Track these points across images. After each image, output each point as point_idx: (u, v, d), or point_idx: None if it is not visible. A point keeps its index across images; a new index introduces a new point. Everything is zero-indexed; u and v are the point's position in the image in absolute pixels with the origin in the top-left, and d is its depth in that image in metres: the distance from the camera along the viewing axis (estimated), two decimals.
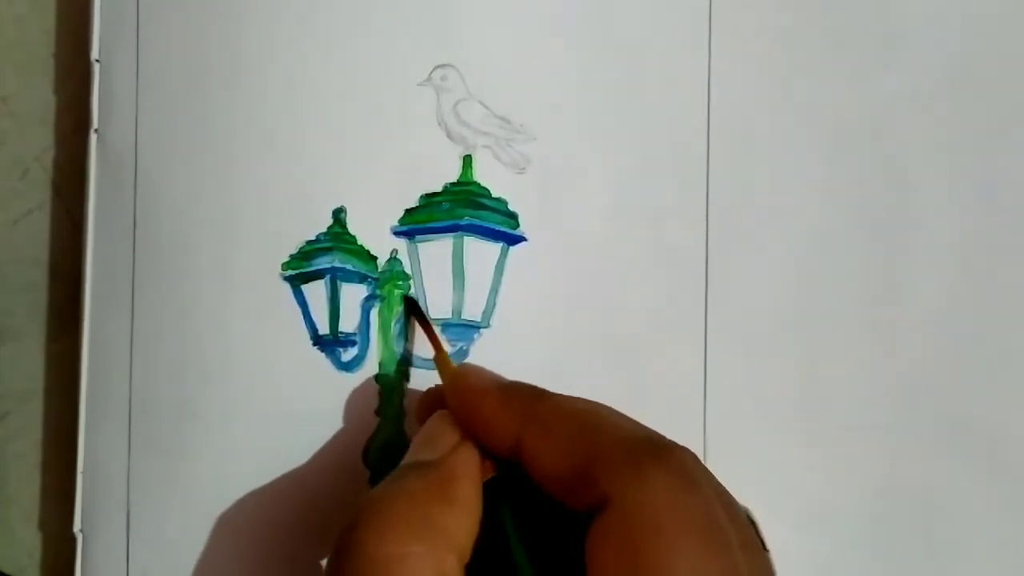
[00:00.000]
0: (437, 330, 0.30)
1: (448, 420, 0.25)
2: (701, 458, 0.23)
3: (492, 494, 0.24)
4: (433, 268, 0.31)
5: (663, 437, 0.23)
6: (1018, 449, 0.31)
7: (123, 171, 0.31)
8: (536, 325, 0.31)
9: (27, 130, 0.33)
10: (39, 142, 0.33)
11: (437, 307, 0.31)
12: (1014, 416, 0.31)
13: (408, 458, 0.25)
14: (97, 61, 0.32)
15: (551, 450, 0.23)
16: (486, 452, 0.24)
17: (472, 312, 0.31)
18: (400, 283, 0.31)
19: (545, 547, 0.24)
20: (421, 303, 0.31)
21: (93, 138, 0.31)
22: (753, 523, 0.24)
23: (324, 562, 0.30)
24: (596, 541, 0.21)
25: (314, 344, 0.31)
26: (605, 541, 0.21)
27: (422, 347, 0.31)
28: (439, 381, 0.30)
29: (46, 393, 0.33)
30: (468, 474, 0.24)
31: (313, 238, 0.31)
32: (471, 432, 0.25)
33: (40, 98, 0.33)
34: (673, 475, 0.21)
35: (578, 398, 0.24)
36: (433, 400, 0.27)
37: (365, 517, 0.22)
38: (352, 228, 0.31)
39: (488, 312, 0.31)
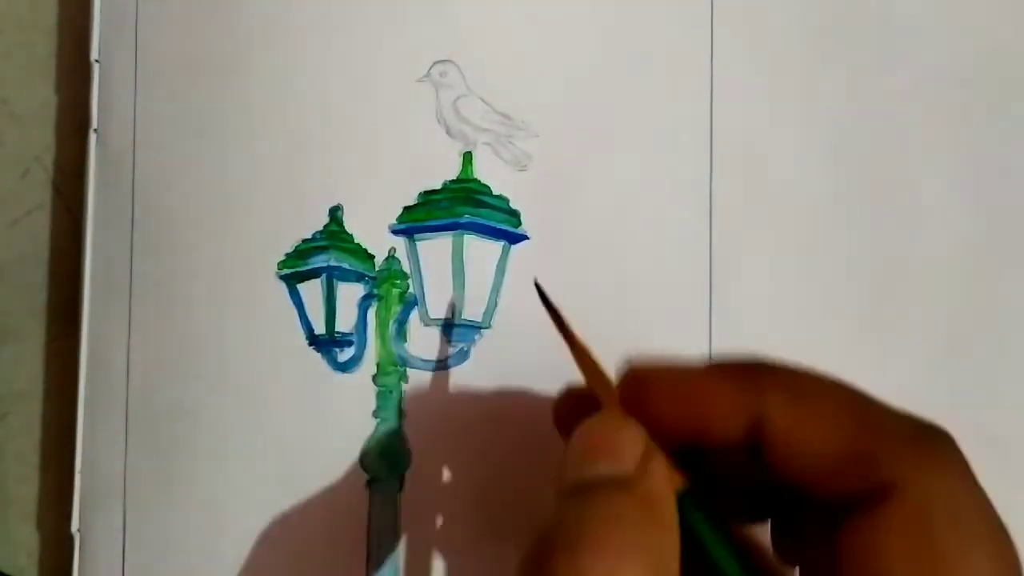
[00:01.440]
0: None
1: (627, 422, 0.22)
2: None
3: (686, 506, 0.21)
4: (432, 267, 0.31)
5: (931, 421, 0.21)
6: (1018, 449, 0.30)
7: (122, 171, 0.31)
8: (538, 325, 0.30)
9: (27, 130, 0.34)
10: (39, 142, 0.34)
11: (437, 307, 0.30)
12: (1014, 416, 0.30)
13: (584, 470, 0.21)
14: (97, 61, 0.32)
15: (815, 426, 0.20)
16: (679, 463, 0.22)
17: (473, 312, 0.30)
18: (398, 282, 0.30)
19: (742, 549, 0.22)
20: (420, 303, 0.30)
21: (93, 138, 0.32)
22: None
23: (320, 564, 0.30)
24: (881, 534, 0.19)
25: (310, 344, 0.30)
26: (895, 533, 0.19)
27: (422, 347, 0.30)
28: (438, 382, 0.30)
29: (45, 393, 0.33)
30: (669, 491, 0.21)
31: (309, 237, 0.31)
32: (679, 422, 0.21)
33: (40, 98, 0.34)
34: (961, 463, 0.20)
35: (815, 371, 0.22)
36: (576, 402, 0.24)
37: (568, 540, 0.19)
38: (349, 226, 0.31)
39: (489, 312, 0.30)
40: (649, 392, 0.22)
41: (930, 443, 0.20)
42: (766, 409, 0.21)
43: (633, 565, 0.19)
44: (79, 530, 0.31)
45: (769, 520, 0.23)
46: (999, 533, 0.19)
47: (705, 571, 0.21)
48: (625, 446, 0.21)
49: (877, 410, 0.21)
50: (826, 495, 0.20)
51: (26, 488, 0.33)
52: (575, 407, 0.24)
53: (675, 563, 0.20)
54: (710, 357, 0.30)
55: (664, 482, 0.21)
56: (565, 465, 0.22)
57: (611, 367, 0.30)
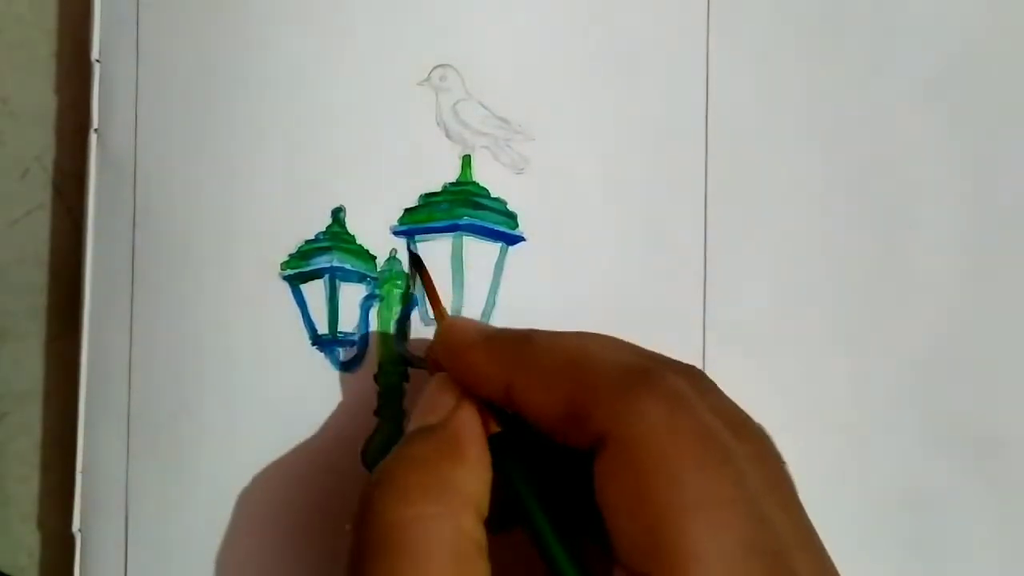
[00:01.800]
0: (439, 290, 0.29)
1: (446, 381, 0.25)
2: None
3: (499, 449, 0.24)
4: (432, 268, 0.31)
5: (658, 361, 0.23)
6: (1017, 449, 0.31)
7: (123, 171, 0.31)
8: (535, 325, 0.31)
9: (27, 130, 0.33)
10: (39, 142, 0.33)
11: None
12: (1014, 416, 0.31)
13: (412, 425, 0.25)
14: (97, 61, 0.32)
15: (540, 392, 0.23)
16: (487, 406, 0.24)
17: (471, 312, 0.31)
18: (399, 283, 0.31)
19: (558, 493, 0.23)
20: (421, 303, 0.31)
21: (93, 138, 0.31)
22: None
23: (321, 563, 0.30)
24: (602, 480, 0.21)
25: (313, 344, 0.31)
26: (610, 479, 0.21)
27: (422, 347, 0.31)
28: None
29: (46, 393, 0.33)
30: (473, 432, 0.24)
31: (312, 238, 0.31)
32: (464, 386, 0.24)
33: (40, 98, 0.33)
34: (666, 400, 0.21)
35: (568, 333, 0.24)
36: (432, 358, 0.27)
37: (378, 485, 0.22)
38: (351, 228, 0.31)
39: (487, 312, 0.31)
40: (444, 353, 0.25)
41: (633, 390, 0.21)
42: (511, 381, 0.23)
43: (437, 501, 0.22)
44: (80, 530, 0.31)
45: None
46: (711, 461, 0.20)
47: (521, 509, 0.23)
48: (440, 402, 0.24)
49: (596, 365, 0.22)
50: (573, 447, 0.22)
51: (26, 488, 0.33)
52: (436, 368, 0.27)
53: (480, 495, 0.23)
54: (704, 357, 0.31)
55: (468, 425, 0.24)
56: None
57: None
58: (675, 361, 0.24)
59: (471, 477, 0.23)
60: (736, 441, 0.21)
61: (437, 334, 0.27)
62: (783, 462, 0.23)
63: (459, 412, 0.24)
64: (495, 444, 0.24)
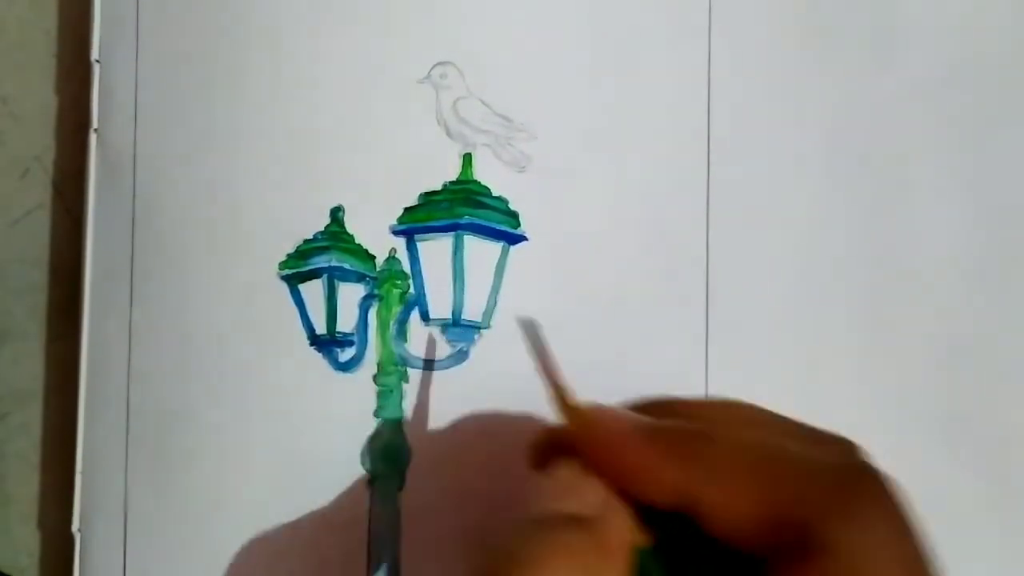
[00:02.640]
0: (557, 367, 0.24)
1: (587, 472, 0.22)
2: None
3: (648, 567, 0.22)
4: (432, 267, 0.31)
5: (864, 461, 0.21)
6: (1018, 449, 0.30)
7: (123, 171, 0.31)
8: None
9: (27, 130, 0.33)
10: (39, 142, 0.34)
11: (437, 307, 0.31)
12: (1014, 416, 0.30)
13: (546, 503, 0.22)
14: (97, 61, 0.32)
15: (734, 497, 0.20)
16: (641, 515, 0.22)
17: (472, 312, 0.31)
18: (399, 282, 0.31)
19: None
20: (421, 303, 0.31)
21: (93, 138, 0.32)
22: None
23: (321, 563, 0.30)
24: None
25: (311, 344, 0.31)
26: None
27: (422, 347, 0.31)
28: (440, 380, 0.31)
29: (46, 393, 0.33)
30: (624, 536, 0.21)
31: (310, 237, 0.31)
32: (620, 486, 0.22)
33: (40, 98, 0.33)
34: (887, 512, 0.20)
35: (745, 430, 0.22)
36: (553, 443, 0.24)
37: (526, 564, 0.20)
38: (350, 227, 0.31)
39: (489, 312, 0.31)
40: (591, 447, 0.22)
41: (848, 489, 0.20)
42: (689, 486, 0.21)
43: None
44: (80, 530, 0.31)
45: None
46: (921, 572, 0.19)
47: None
48: (585, 493, 0.22)
49: (795, 466, 0.21)
50: (764, 555, 0.20)
51: (26, 488, 0.33)
52: (548, 450, 0.24)
53: None
54: (706, 357, 0.30)
55: (622, 531, 0.21)
56: (530, 498, 0.22)
57: (604, 367, 0.30)
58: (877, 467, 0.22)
59: None
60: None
61: (574, 425, 0.23)
62: None
63: (613, 510, 0.21)
64: (643, 556, 0.22)
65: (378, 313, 0.31)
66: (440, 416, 0.30)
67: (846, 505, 0.19)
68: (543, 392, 0.29)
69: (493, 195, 0.31)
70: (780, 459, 0.21)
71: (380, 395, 0.30)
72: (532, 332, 0.24)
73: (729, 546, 0.21)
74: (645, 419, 0.23)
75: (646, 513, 0.22)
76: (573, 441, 0.23)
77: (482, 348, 0.31)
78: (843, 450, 0.21)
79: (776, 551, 0.20)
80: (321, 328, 0.31)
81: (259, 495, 0.30)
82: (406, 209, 0.31)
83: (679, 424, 0.22)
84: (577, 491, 0.22)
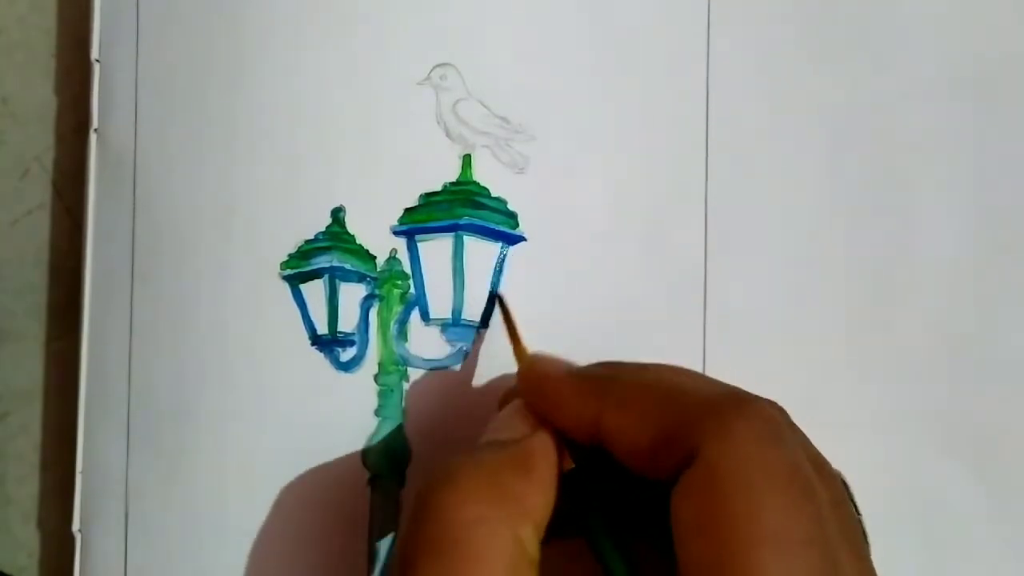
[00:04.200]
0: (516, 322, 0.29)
1: (523, 410, 0.25)
2: None
3: (572, 490, 0.24)
4: (432, 268, 0.31)
5: (747, 392, 0.23)
6: (1018, 449, 0.31)
7: (123, 171, 0.31)
8: (535, 325, 0.31)
9: (27, 130, 0.33)
10: (39, 142, 0.33)
11: (437, 307, 0.31)
12: (1014, 416, 0.31)
13: (484, 439, 0.25)
14: (97, 61, 0.32)
15: (633, 424, 0.23)
16: (565, 443, 0.24)
17: (472, 312, 0.31)
18: (399, 283, 0.31)
19: (627, 534, 0.23)
20: (421, 303, 0.31)
21: (93, 138, 0.31)
22: (845, 485, 0.23)
23: (321, 562, 0.30)
24: (680, 496, 0.21)
25: (313, 344, 0.31)
26: (690, 495, 0.20)
27: (422, 347, 0.31)
28: (439, 381, 0.31)
29: (46, 393, 0.33)
30: (545, 453, 0.24)
31: (312, 237, 0.31)
32: (549, 420, 0.24)
33: (40, 98, 0.33)
34: (759, 426, 0.21)
35: (656, 365, 0.25)
36: (513, 396, 0.27)
37: (445, 482, 0.22)
38: (351, 227, 0.31)
39: (488, 312, 0.31)
40: (529, 388, 0.26)
41: (726, 413, 0.21)
42: (601, 417, 0.23)
43: (499, 508, 0.22)
44: (80, 530, 0.31)
45: None
46: (796, 495, 0.20)
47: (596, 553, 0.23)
48: (516, 426, 0.25)
49: (689, 394, 0.23)
50: (658, 477, 0.22)
51: (27, 488, 0.33)
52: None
53: (541, 513, 0.23)
54: (704, 357, 0.31)
55: (542, 446, 0.24)
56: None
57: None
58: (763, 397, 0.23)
59: (536, 492, 0.23)
60: (819, 480, 0.21)
61: (519, 367, 0.27)
62: (859, 512, 0.23)
63: (536, 435, 0.24)
64: (569, 480, 0.24)
65: (379, 313, 0.31)
66: (440, 416, 0.31)
67: (719, 426, 0.21)
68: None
69: (492, 196, 0.31)
70: (671, 391, 0.23)
71: (381, 395, 0.31)
72: (500, 299, 0.30)
73: (637, 474, 0.23)
74: (576, 365, 0.26)
75: (575, 452, 0.24)
76: (520, 386, 0.26)
77: (482, 348, 0.31)
78: (735, 388, 0.23)
79: (669, 468, 0.22)
80: (322, 328, 0.31)
81: (259, 495, 0.30)
82: (406, 210, 0.31)
83: (597, 367, 0.25)
84: (510, 425, 0.25)
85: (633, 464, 0.23)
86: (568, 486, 0.24)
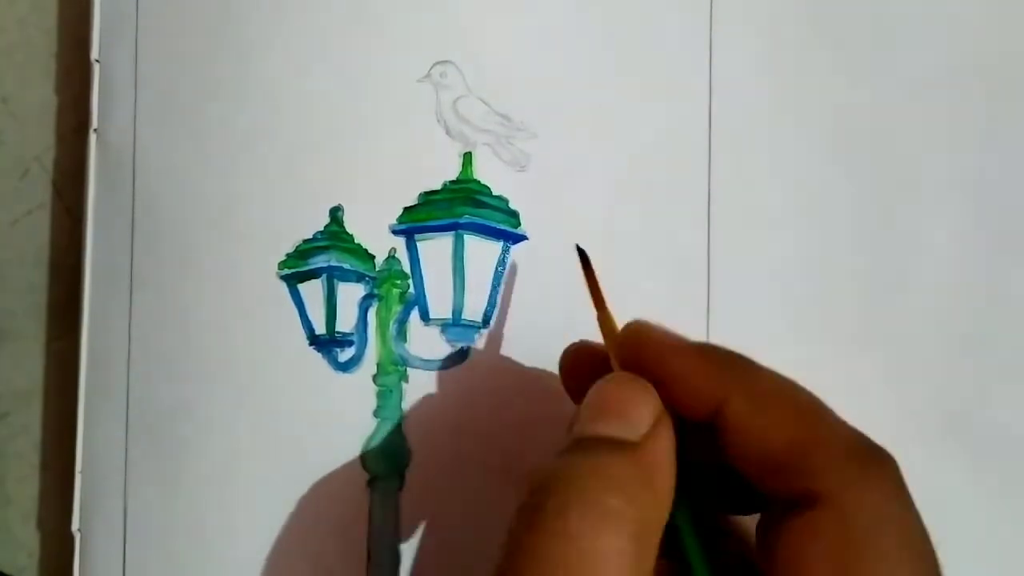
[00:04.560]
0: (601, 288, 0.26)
1: (638, 387, 0.22)
2: None
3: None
4: (432, 267, 0.31)
5: (879, 444, 0.21)
6: (1018, 449, 0.30)
7: (123, 171, 0.31)
8: (537, 325, 0.31)
9: (27, 130, 0.34)
10: (39, 142, 0.34)
11: (437, 307, 0.31)
12: (1014, 416, 0.30)
13: (590, 427, 0.22)
14: (97, 61, 0.32)
15: (764, 425, 0.21)
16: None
17: (472, 312, 0.31)
18: (398, 282, 0.31)
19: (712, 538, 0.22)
20: (420, 303, 0.31)
21: (93, 138, 0.32)
22: None
23: (321, 562, 0.30)
24: (805, 536, 0.20)
25: (311, 344, 0.30)
26: (816, 538, 0.20)
27: (421, 347, 0.31)
28: (438, 381, 0.30)
29: (46, 393, 0.33)
30: (670, 463, 0.21)
31: (310, 237, 0.31)
32: (663, 390, 0.22)
33: (40, 98, 0.34)
34: (893, 484, 0.20)
35: (788, 378, 0.22)
36: (584, 359, 0.25)
37: (564, 492, 0.20)
38: (350, 227, 0.31)
39: (489, 312, 0.30)
40: (639, 354, 0.23)
41: (867, 461, 0.20)
42: (729, 395, 0.21)
43: (616, 529, 0.19)
44: (79, 530, 0.31)
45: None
46: (922, 562, 0.20)
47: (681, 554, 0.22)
48: (639, 411, 0.22)
49: (828, 423, 0.21)
50: (771, 492, 0.21)
51: (26, 488, 0.33)
52: (583, 364, 0.25)
53: (658, 536, 0.20)
54: None
55: (669, 454, 0.21)
56: (576, 419, 0.22)
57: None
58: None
59: (657, 512, 0.21)
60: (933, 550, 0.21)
61: (619, 334, 0.24)
62: None
63: (659, 433, 0.21)
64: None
65: (378, 313, 0.31)
66: (440, 416, 0.30)
67: (858, 469, 0.20)
68: (542, 391, 0.29)
69: (493, 194, 0.31)
70: (814, 410, 0.21)
71: (380, 395, 0.30)
72: (582, 253, 0.27)
73: (738, 477, 0.21)
74: (686, 338, 0.23)
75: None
76: (621, 352, 0.23)
77: (482, 347, 0.30)
78: (865, 436, 0.22)
79: (780, 493, 0.21)
80: (321, 328, 0.30)
81: (259, 495, 0.30)
82: (406, 209, 0.31)
83: (725, 348, 0.23)
84: (624, 409, 0.22)
85: (746, 466, 0.21)
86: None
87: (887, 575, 0.19)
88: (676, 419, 0.22)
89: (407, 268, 0.31)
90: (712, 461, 0.22)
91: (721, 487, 0.23)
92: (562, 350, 0.30)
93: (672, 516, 0.21)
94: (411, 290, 0.31)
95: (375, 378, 0.30)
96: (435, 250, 0.31)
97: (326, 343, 0.30)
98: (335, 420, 0.30)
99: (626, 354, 0.23)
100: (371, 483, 0.30)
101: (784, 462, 0.21)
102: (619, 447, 0.21)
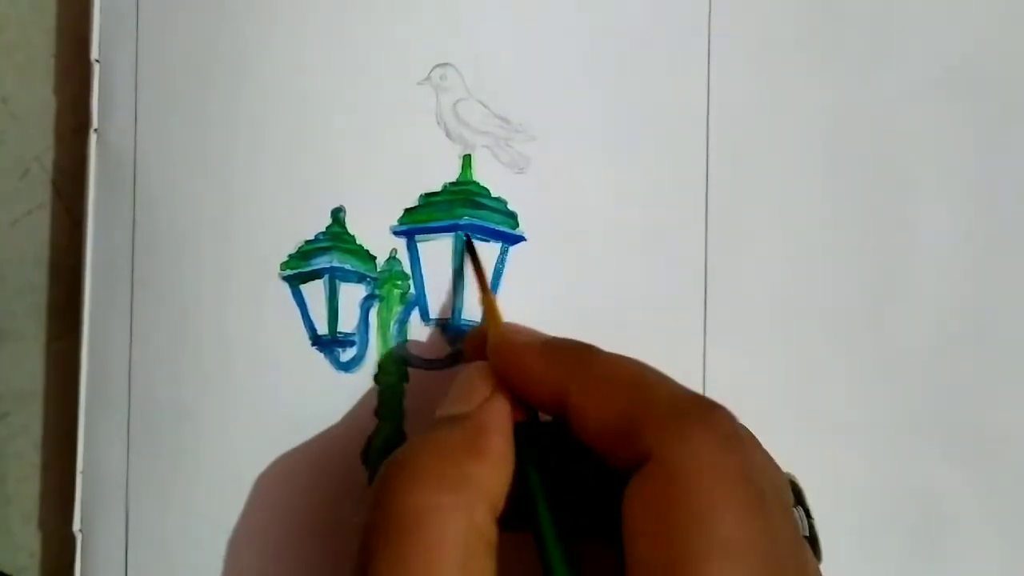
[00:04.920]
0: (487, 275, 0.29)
1: (483, 371, 0.25)
2: None
3: (522, 439, 0.24)
4: (433, 268, 0.31)
5: (710, 399, 0.23)
6: (1018, 449, 0.31)
7: (123, 171, 0.31)
8: (535, 325, 0.31)
9: (27, 130, 0.33)
10: (39, 142, 0.33)
11: (437, 307, 0.31)
12: (1014, 416, 0.31)
13: (442, 410, 0.25)
14: (97, 61, 0.32)
15: (598, 405, 0.23)
16: (518, 401, 0.25)
17: (472, 312, 0.31)
18: (399, 283, 0.31)
19: (574, 501, 0.24)
20: (421, 303, 0.31)
21: (93, 138, 0.31)
22: (796, 489, 0.24)
23: (321, 562, 0.30)
24: (634, 495, 0.21)
25: (313, 344, 0.31)
26: (643, 495, 0.21)
27: (422, 347, 0.31)
28: (439, 381, 0.31)
29: (46, 393, 0.33)
30: (500, 426, 0.24)
31: (312, 238, 0.31)
32: (514, 386, 0.25)
33: (40, 98, 0.33)
34: (717, 434, 0.21)
35: (625, 356, 0.24)
36: (481, 339, 0.27)
37: (396, 469, 0.22)
38: (351, 228, 0.31)
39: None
40: (495, 350, 0.26)
41: (689, 416, 0.21)
42: (568, 390, 0.23)
43: (453, 491, 0.22)
44: (81, 530, 0.31)
45: None
46: (749, 505, 0.20)
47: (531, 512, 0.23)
48: (473, 391, 0.25)
49: (655, 390, 0.23)
50: (613, 463, 0.22)
51: (27, 488, 0.33)
52: (478, 346, 0.27)
53: (497, 490, 0.23)
54: (704, 357, 0.31)
55: (497, 417, 0.24)
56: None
57: None
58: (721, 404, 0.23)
59: (491, 472, 0.23)
60: (771, 489, 0.21)
61: (490, 331, 0.27)
62: (810, 516, 0.23)
63: (490, 403, 0.24)
64: (519, 433, 0.24)
65: (379, 313, 0.31)
66: None
67: (680, 428, 0.21)
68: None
69: (492, 196, 0.31)
70: (641, 382, 0.23)
71: (380, 395, 0.31)
72: (470, 244, 0.30)
73: (594, 458, 0.23)
74: (549, 336, 0.26)
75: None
76: (490, 358, 0.26)
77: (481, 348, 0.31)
78: (698, 395, 0.23)
79: (625, 461, 0.22)
80: (322, 328, 0.31)
81: (259, 495, 0.30)
82: (406, 210, 0.31)
83: (572, 340, 0.25)
84: (466, 392, 0.25)
85: (594, 446, 0.23)
86: (518, 440, 0.24)
87: (712, 523, 0.20)
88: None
89: (408, 269, 0.31)
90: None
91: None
92: None
93: (535, 510, 0.23)
94: (411, 290, 0.31)
95: (376, 378, 0.31)
96: (435, 251, 0.31)
97: (328, 343, 0.31)
98: (336, 419, 0.30)
99: (491, 349, 0.26)
100: (372, 481, 0.30)
101: (617, 432, 0.22)
102: (451, 419, 0.24)
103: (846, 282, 0.31)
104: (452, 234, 0.31)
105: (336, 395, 0.30)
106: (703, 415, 0.22)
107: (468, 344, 0.29)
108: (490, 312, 0.28)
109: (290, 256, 0.31)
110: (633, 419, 0.22)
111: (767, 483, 0.21)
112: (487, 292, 0.29)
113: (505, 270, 0.31)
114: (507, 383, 0.25)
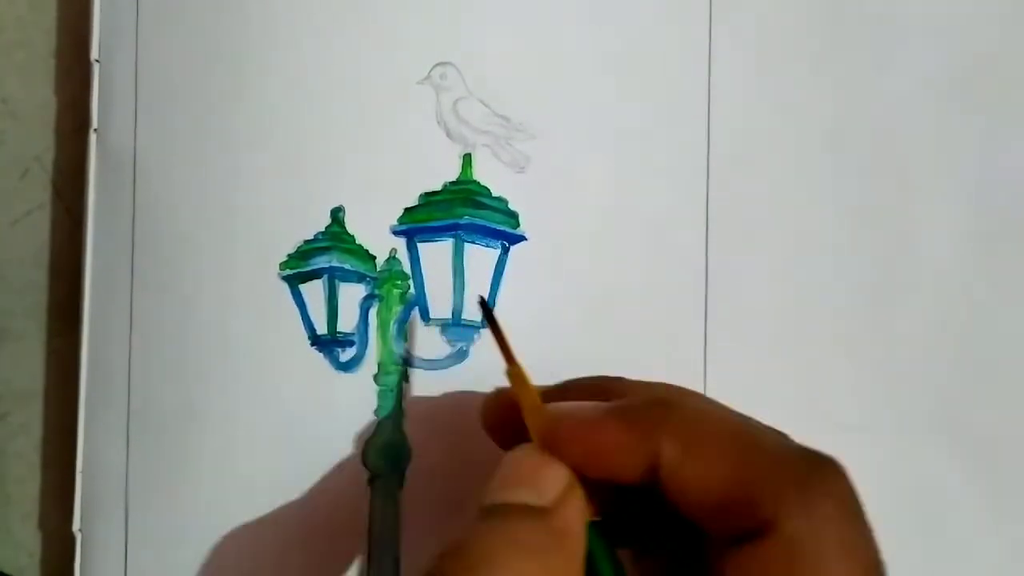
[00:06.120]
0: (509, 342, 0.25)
1: (545, 455, 0.22)
2: None
3: (594, 538, 0.22)
4: (433, 267, 0.31)
5: (819, 453, 0.21)
6: (1017, 449, 0.31)
7: (123, 171, 0.31)
8: (536, 325, 0.31)
9: (27, 130, 0.33)
10: (39, 142, 0.33)
11: (437, 307, 0.31)
12: (1013, 416, 0.31)
13: (501, 495, 0.22)
14: (97, 61, 0.32)
15: (701, 471, 0.21)
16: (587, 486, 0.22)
17: (472, 312, 0.31)
18: (399, 283, 0.31)
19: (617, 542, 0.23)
20: (421, 303, 0.31)
21: (93, 138, 0.31)
22: None
23: (321, 562, 0.30)
24: (751, 567, 0.20)
25: (312, 344, 0.31)
26: (764, 568, 0.20)
27: (421, 347, 0.31)
28: (439, 381, 0.31)
29: (46, 393, 0.33)
30: (581, 529, 0.21)
31: (311, 237, 0.31)
32: (591, 467, 0.22)
33: (40, 98, 0.33)
34: (839, 502, 0.20)
35: (711, 402, 0.23)
36: (505, 407, 0.24)
37: (474, 558, 0.20)
38: (351, 227, 0.31)
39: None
40: (557, 434, 0.22)
41: (808, 482, 0.20)
42: (660, 452, 0.21)
43: None
44: (80, 530, 0.31)
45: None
46: (866, 569, 0.20)
47: None
48: (549, 478, 0.22)
49: (764, 449, 0.21)
50: (718, 532, 0.21)
51: (27, 488, 0.33)
52: (501, 412, 0.25)
53: None
54: (704, 357, 0.31)
55: (579, 518, 0.21)
56: (488, 487, 0.22)
57: (603, 367, 0.30)
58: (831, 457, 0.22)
59: (573, 570, 0.21)
60: (882, 563, 0.21)
61: (529, 410, 0.23)
62: None
63: (571, 501, 0.21)
64: (594, 529, 0.22)
65: (378, 313, 0.31)
66: (440, 415, 0.31)
67: (806, 496, 0.20)
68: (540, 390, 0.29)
69: (493, 195, 0.31)
70: (749, 440, 0.21)
71: (380, 395, 0.31)
72: (488, 311, 0.25)
73: (680, 521, 0.21)
74: (602, 404, 0.23)
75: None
76: (540, 436, 0.23)
77: (482, 347, 0.31)
78: (805, 448, 0.21)
79: (733, 529, 0.20)
80: (322, 328, 0.31)
81: (259, 494, 0.30)
82: (406, 209, 0.31)
83: (636, 399, 0.22)
84: (535, 477, 0.22)
85: (694, 514, 0.21)
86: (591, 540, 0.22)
87: None
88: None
89: (407, 268, 0.31)
90: (646, 512, 0.23)
91: (652, 534, 0.24)
92: (560, 350, 0.30)
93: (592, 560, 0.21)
94: (411, 290, 0.31)
95: (376, 377, 0.31)
96: (435, 250, 0.31)
97: (328, 343, 0.31)
98: (336, 419, 0.30)
99: (547, 440, 0.23)
100: (372, 481, 0.30)
101: (728, 502, 0.20)
102: (529, 513, 0.21)
103: (846, 282, 0.31)
104: (452, 234, 0.31)
105: (335, 395, 0.30)
106: (824, 479, 0.20)
107: (488, 413, 0.25)
108: (520, 386, 0.24)
109: (289, 256, 0.31)
110: (745, 484, 0.20)
111: (877, 552, 0.21)
112: (513, 363, 0.24)
113: (505, 270, 0.31)
114: (580, 465, 0.22)
